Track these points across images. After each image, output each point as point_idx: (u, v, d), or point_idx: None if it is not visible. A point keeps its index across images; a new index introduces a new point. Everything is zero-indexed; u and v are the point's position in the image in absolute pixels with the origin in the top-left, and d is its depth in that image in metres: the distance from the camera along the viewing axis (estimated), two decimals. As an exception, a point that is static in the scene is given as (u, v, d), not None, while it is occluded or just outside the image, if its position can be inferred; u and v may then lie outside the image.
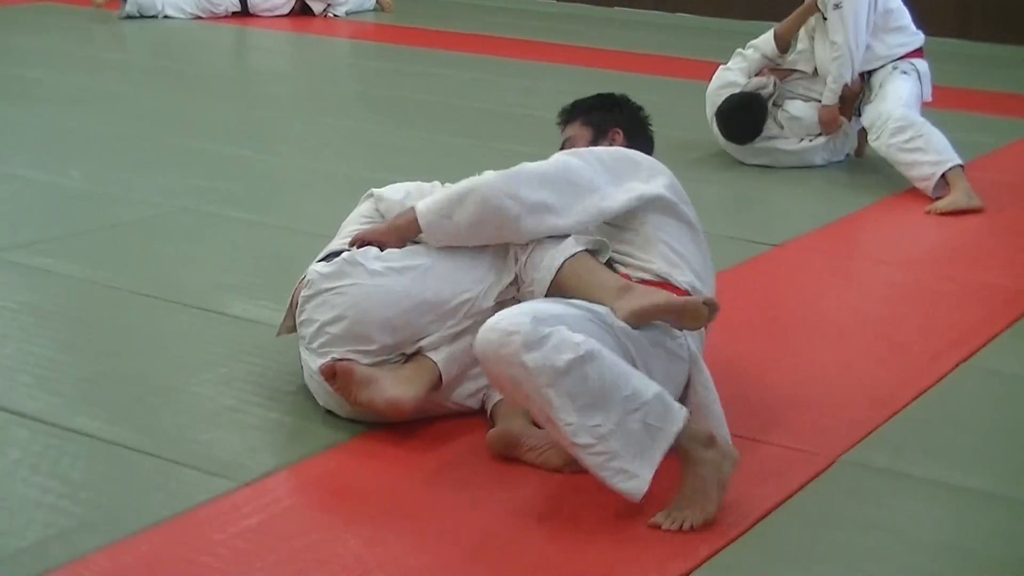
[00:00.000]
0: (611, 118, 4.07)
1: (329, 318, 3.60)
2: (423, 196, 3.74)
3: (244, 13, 11.41)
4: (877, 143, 6.35)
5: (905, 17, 6.63)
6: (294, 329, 3.78)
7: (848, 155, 6.94)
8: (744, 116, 6.68)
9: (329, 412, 3.65)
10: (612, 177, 3.65)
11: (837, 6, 6.43)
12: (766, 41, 6.82)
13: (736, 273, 5.07)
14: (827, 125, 6.67)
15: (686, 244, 3.65)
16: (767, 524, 3.20)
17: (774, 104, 6.78)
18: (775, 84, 6.78)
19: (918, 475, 3.49)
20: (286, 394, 3.79)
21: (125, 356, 4.08)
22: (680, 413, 3.18)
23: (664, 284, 3.52)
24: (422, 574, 2.95)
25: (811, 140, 6.72)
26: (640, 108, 4.17)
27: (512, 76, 9.22)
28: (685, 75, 8.76)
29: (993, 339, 4.46)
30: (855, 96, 6.59)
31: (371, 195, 3.95)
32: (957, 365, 4.22)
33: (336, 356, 3.55)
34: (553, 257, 3.52)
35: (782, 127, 6.75)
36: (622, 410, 3.13)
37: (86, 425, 3.55)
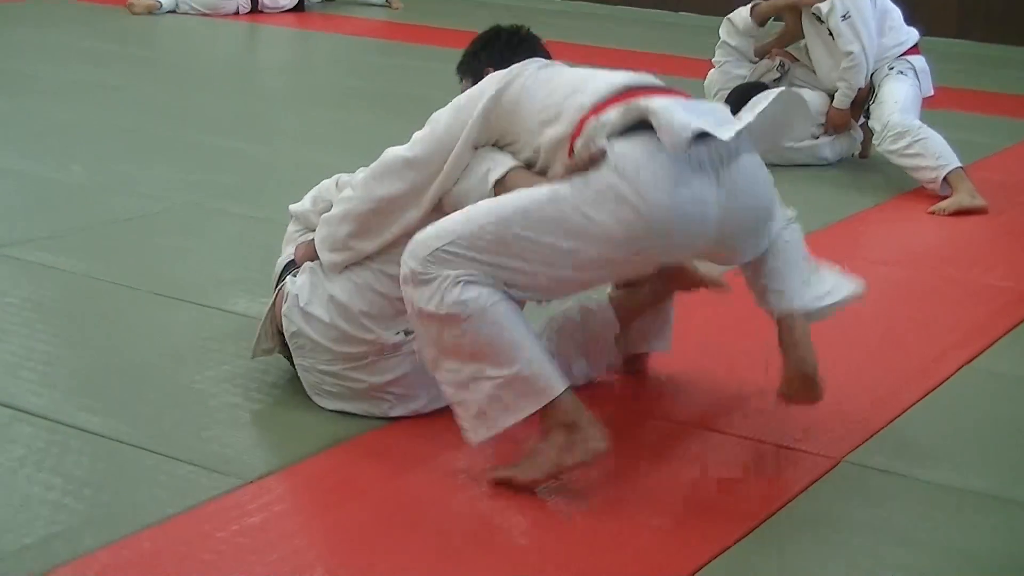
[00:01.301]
0: (481, 60, 3.86)
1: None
2: (327, 195, 3.84)
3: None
4: (880, 149, 6.39)
5: (897, 18, 6.65)
6: (272, 352, 3.81)
7: (853, 156, 6.95)
8: None
9: (332, 411, 3.66)
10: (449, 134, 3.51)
11: (846, 17, 6.44)
12: (741, 17, 6.83)
13: (736, 273, 5.06)
14: (838, 127, 6.69)
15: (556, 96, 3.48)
16: (769, 525, 3.19)
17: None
18: (783, 66, 6.77)
19: (920, 476, 3.49)
20: (289, 391, 3.79)
21: (127, 352, 4.08)
22: (539, 397, 3.22)
23: None
24: (423, 573, 2.95)
25: (816, 137, 6.72)
26: (515, 31, 3.94)
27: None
28: (688, 73, 8.75)
29: (996, 341, 4.47)
30: (864, 99, 6.59)
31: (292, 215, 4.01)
32: (960, 367, 4.22)
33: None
34: (484, 181, 3.47)
35: None
36: (475, 371, 3.22)
37: (88, 421, 3.55)
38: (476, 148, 3.49)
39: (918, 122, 6.29)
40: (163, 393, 3.76)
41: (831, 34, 6.54)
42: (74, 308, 4.47)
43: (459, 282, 3.19)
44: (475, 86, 3.59)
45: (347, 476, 3.36)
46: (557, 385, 3.24)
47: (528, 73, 3.52)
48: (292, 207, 4.01)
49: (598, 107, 3.33)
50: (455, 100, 3.58)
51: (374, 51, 10.50)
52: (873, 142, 6.49)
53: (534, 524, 3.15)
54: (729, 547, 3.08)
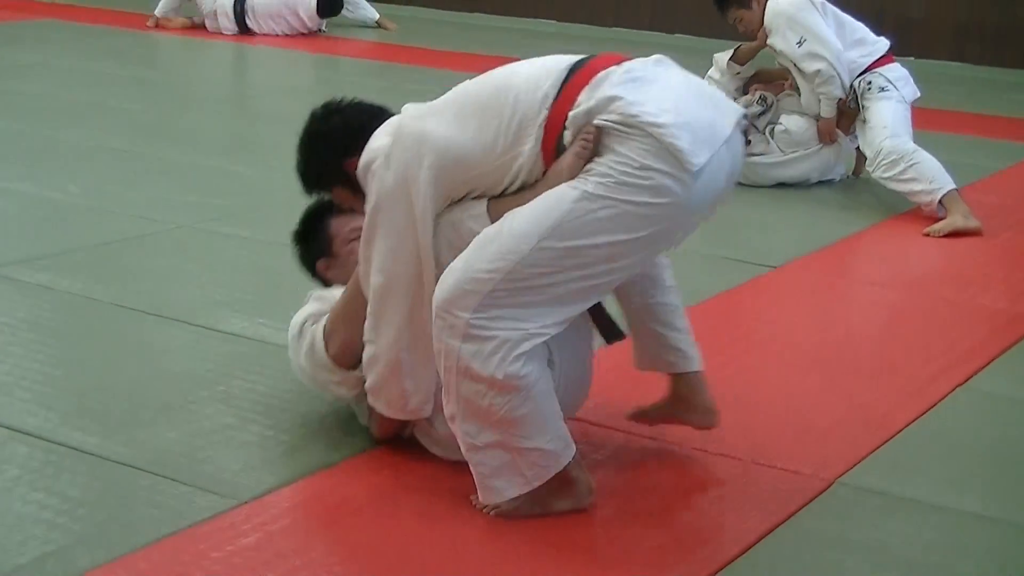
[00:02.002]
0: (332, 167, 3.51)
1: None
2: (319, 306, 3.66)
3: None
4: (874, 176, 6.41)
5: (860, 30, 6.65)
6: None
7: (847, 176, 6.96)
8: None
9: (327, 430, 3.67)
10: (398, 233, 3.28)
11: (801, 42, 6.49)
12: (722, 60, 6.93)
13: (733, 295, 5.08)
14: (824, 135, 6.72)
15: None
16: (763, 546, 3.20)
17: (769, 123, 6.81)
18: (765, 99, 6.81)
19: (913, 497, 3.50)
20: (283, 412, 3.79)
21: (122, 372, 4.09)
22: (553, 467, 3.21)
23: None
24: (419, 593, 2.96)
25: (795, 152, 6.75)
26: (327, 115, 3.63)
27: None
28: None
29: (990, 362, 4.47)
30: (853, 113, 6.61)
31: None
32: (954, 388, 4.22)
33: None
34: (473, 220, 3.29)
35: (769, 142, 6.78)
36: (497, 438, 3.18)
37: (84, 442, 3.55)
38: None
39: (911, 145, 6.29)
40: (158, 413, 3.77)
41: (796, 65, 6.61)
42: (70, 328, 4.47)
43: (521, 355, 3.11)
44: (379, 181, 3.29)
45: (343, 496, 3.36)
46: (569, 452, 3.24)
47: (428, 130, 3.29)
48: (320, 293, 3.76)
49: (562, 97, 3.22)
50: (370, 217, 3.30)
51: (369, 72, 10.52)
52: (867, 167, 6.51)
53: (532, 545, 3.15)
54: (723, 567, 3.09)
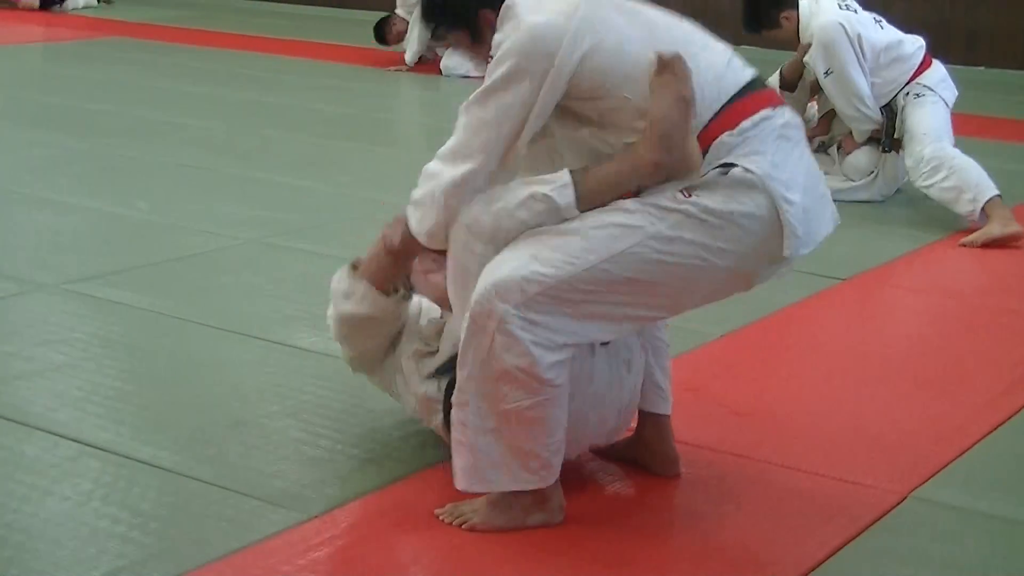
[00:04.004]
0: (468, 5, 3.27)
1: None
2: None
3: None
4: (916, 185, 6.33)
5: (895, 47, 6.48)
6: None
7: (900, 190, 6.85)
8: None
9: (396, 444, 3.67)
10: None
11: (828, 73, 6.42)
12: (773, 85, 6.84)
13: (802, 307, 5.05)
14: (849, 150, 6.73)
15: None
16: (837, 560, 3.17)
17: (821, 144, 6.77)
18: (821, 143, 6.78)
19: (988, 512, 3.45)
20: (353, 426, 3.80)
21: (192, 387, 4.11)
22: (540, 481, 3.19)
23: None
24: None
25: (854, 181, 6.69)
26: None
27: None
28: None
29: (1064, 374, 4.42)
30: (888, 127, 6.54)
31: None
32: (1028, 400, 4.18)
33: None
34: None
35: (834, 162, 6.74)
36: (502, 432, 3.16)
37: (155, 456, 3.57)
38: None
39: (951, 151, 6.20)
40: (228, 428, 3.78)
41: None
42: (141, 343, 4.50)
43: (555, 363, 3.09)
44: (529, 33, 3.08)
45: (413, 509, 3.35)
46: (556, 473, 3.23)
47: (608, 28, 3.12)
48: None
49: (728, 111, 3.14)
50: (501, 66, 3.10)
51: (433, 85, 10.53)
52: (911, 178, 6.42)
53: (588, 562, 3.14)
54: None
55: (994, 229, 5.93)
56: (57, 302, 4.85)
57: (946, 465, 3.69)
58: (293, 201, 6.45)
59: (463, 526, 3.24)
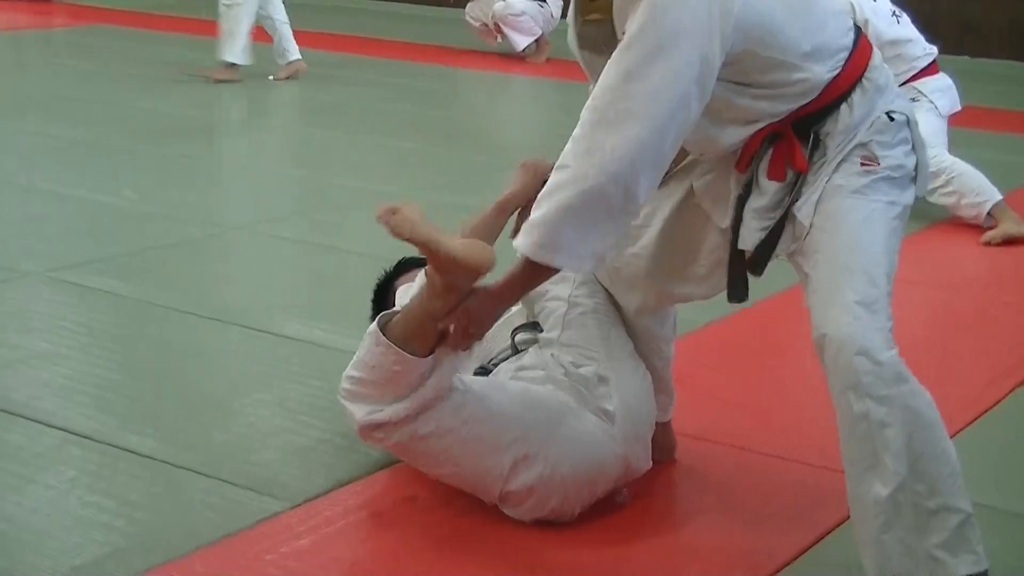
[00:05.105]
0: None
1: None
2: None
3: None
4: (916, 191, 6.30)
5: (900, 44, 6.31)
6: None
7: None
8: None
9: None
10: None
11: None
12: None
13: (793, 295, 5.04)
14: None
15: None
16: (824, 544, 3.19)
17: None
18: None
19: (976, 500, 3.45)
20: (339, 414, 3.77)
21: (179, 376, 4.11)
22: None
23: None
24: (474, 596, 2.95)
25: None
26: None
27: (561, 95, 9.24)
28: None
29: (1049, 365, 4.43)
30: None
31: None
32: (1012, 390, 4.18)
33: None
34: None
35: None
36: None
37: (140, 444, 3.57)
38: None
39: (949, 158, 6.15)
40: (214, 416, 3.78)
41: None
42: (127, 332, 4.50)
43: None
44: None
45: (398, 498, 3.35)
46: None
47: None
48: None
49: (861, 45, 2.97)
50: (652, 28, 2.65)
51: (427, 76, 10.52)
52: None
53: (581, 553, 3.14)
54: (778, 571, 3.07)
55: (1010, 228, 5.94)
56: (42, 290, 4.84)
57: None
58: (279, 190, 6.45)
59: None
